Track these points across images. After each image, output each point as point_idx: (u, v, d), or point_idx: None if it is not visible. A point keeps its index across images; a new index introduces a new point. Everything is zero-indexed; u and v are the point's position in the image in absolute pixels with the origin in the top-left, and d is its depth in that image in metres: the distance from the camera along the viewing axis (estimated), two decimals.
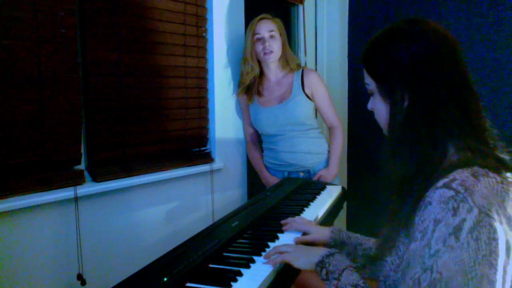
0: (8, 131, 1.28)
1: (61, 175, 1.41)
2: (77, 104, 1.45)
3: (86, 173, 1.52)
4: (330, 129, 2.19)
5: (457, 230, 0.69)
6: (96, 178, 1.52)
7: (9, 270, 1.27)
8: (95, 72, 1.53)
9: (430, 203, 0.74)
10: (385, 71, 0.85)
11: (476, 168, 0.75)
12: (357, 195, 2.89)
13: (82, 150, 1.50)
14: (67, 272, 1.42)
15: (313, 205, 1.58)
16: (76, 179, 1.45)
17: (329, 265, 0.94)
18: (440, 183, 0.74)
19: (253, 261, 1.05)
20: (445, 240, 0.70)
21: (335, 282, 0.91)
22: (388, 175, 0.86)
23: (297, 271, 1.07)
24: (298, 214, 1.44)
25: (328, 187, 1.86)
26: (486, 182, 0.73)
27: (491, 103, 2.32)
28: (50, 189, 1.37)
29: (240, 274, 0.98)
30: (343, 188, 1.91)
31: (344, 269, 0.92)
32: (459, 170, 0.75)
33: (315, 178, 2.09)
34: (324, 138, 2.18)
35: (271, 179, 2.15)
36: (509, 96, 2.36)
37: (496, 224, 0.70)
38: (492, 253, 0.69)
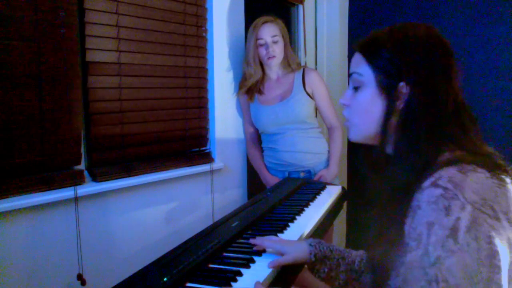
0: (8, 131, 1.28)
1: (61, 175, 1.41)
2: (77, 104, 1.45)
3: (86, 173, 1.52)
4: (330, 129, 2.18)
5: (453, 232, 0.64)
6: (96, 178, 1.52)
7: (9, 270, 1.27)
8: (95, 72, 1.53)
9: (419, 207, 0.69)
10: (393, 63, 0.80)
11: (462, 165, 0.71)
12: (357, 195, 2.89)
13: (82, 150, 1.50)
14: (67, 272, 1.42)
15: (313, 205, 1.58)
16: (76, 179, 1.45)
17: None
18: (427, 183, 0.70)
19: (253, 261, 1.05)
20: (443, 244, 0.64)
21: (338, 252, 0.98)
22: (380, 183, 0.82)
23: (297, 270, 1.07)
24: (298, 214, 1.45)
25: (328, 187, 1.86)
26: (475, 177, 0.68)
27: (489, 104, 2.32)
28: (50, 189, 1.37)
29: (240, 274, 0.98)
30: (343, 188, 1.91)
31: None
32: (445, 168, 0.71)
33: (315, 178, 2.09)
34: (324, 138, 2.18)
35: (271, 179, 2.15)
36: (508, 97, 2.36)
37: (493, 221, 0.65)
38: (494, 252, 0.64)
